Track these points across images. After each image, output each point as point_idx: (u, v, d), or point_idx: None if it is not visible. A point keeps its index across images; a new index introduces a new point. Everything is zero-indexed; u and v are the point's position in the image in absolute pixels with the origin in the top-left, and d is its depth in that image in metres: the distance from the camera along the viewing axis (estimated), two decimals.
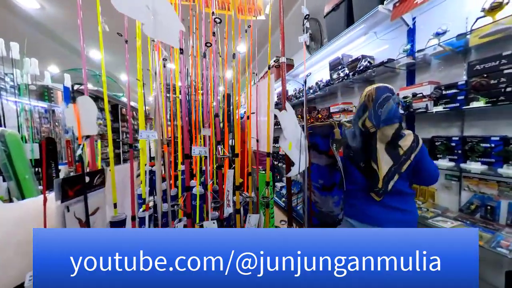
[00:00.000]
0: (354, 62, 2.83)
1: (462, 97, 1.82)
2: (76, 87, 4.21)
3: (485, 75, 1.69)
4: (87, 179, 0.92)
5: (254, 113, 1.58)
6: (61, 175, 1.97)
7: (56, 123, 3.78)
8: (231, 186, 1.43)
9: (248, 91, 1.55)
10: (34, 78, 3.31)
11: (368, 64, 2.63)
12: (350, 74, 2.84)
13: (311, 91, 3.65)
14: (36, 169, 1.65)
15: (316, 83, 3.58)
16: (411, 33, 2.40)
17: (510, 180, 1.67)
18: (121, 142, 5.24)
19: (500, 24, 1.60)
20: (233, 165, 1.50)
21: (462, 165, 1.85)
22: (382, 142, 1.34)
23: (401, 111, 2.10)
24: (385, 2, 2.28)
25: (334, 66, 3.23)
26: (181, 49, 1.26)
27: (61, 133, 3.61)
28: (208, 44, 1.37)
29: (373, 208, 1.38)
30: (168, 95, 1.83)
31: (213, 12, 1.39)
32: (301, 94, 4.03)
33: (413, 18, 2.38)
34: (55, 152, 1.65)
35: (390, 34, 2.66)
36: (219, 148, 1.38)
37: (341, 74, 3.00)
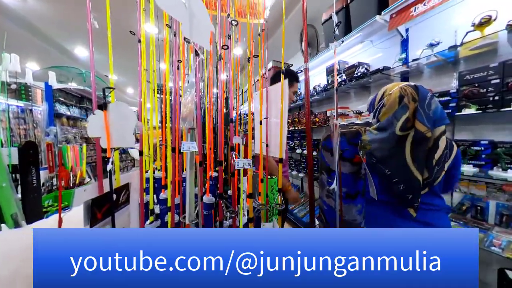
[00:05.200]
0: (351, 68, 2.88)
1: (454, 104, 1.90)
2: (58, 85, 3.94)
3: (475, 84, 1.77)
4: (113, 197, 0.83)
5: (267, 118, 1.51)
6: (41, 180, 1.86)
7: (35, 124, 3.45)
8: (245, 194, 1.36)
9: (260, 96, 1.51)
10: (15, 75, 3.00)
11: (365, 71, 2.68)
12: (347, 80, 2.87)
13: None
14: (14, 175, 1.50)
15: (314, 88, 3.61)
16: (404, 43, 2.48)
17: (498, 181, 1.73)
18: None
19: (488, 38, 1.72)
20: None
21: None
22: (418, 148, 1.14)
23: None
24: (382, 13, 2.33)
25: (331, 72, 3.27)
26: (196, 51, 1.22)
27: (41, 136, 3.31)
28: (225, 47, 1.30)
29: (399, 221, 1.22)
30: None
31: (228, 15, 1.36)
32: (297, 98, 4.03)
33: (407, 29, 2.45)
34: (37, 157, 1.51)
35: (385, 43, 2.74)
36: (233, 155, 1.33)
37: (339, 80, 3.04)
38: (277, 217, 1.45)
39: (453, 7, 2.02)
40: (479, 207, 1.87)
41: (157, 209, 1.50)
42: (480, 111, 1.72)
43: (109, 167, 0.82)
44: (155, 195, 1.53)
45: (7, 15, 4.54)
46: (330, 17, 3.13)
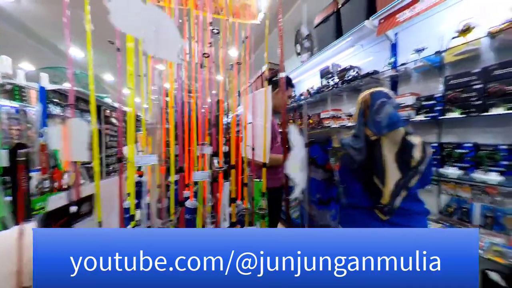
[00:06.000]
0: (343, 71, 2.91)
1: (440, 108, 1.93)
2: (51, 86, 3.82)
3: (458, 89, 1.81)
4: (74, 208, 0.81)
5: (251, 123, 1.51)
6: (33, 182, 1.77)
7: (29, 125, 3.29)
8: (227, 199, 1.35)
9: (244, 101, 1.50)
10: (7, 76, 2.97)
11: (356, 74, 2.71)
12: (339, 82, 2.90)
13: (302, 97, 3.69)
14: (4, 178, 1.43)
15: (307, 90, 3.62)
16: (393, 48, 2.51)
17: (482, 184, 1.73)
18: (104, 146, 4.93)
19: (470, 45, 1.75)
20: (229, 177, 1.41)
21: (441, 170, 1.92)
22: (391, 151, 1.17)
23: None
24: (371, 18, 2.37)
25: (324, 74, 3.31)
26: (181, 59, 1.21)
27: (34, 136, 3.12)
28: (206, 55, 1.30)
29: (376, 224, 1.21)
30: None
31: (210, 23, 1.33)
32: (291, 99, 4.04)
33: (395, 34, 2.49)
34: (27, 159, 1.46)
35: (375, 47, 2.77)
36: (215, 161, 1.31)
37: (331, 83, 3.07)
38: (261, 221, 1.44)
39: (440, 13, 2.06)
40: (464, 209, 1.89)
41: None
42: (464, 115, 1.75)
43: (65, 180, 0.82)
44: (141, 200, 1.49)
45: (0, 16, 4.41)
46: (322, 21, 3.15)
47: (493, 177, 1.60)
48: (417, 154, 1.14)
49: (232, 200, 1.37)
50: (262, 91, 1.41)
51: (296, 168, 1.14)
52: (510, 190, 1.63)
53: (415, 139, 1.18)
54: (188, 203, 1.28)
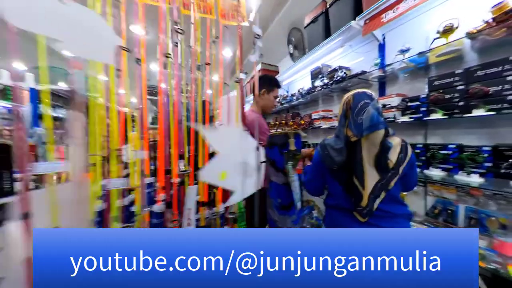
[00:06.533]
0: (332, 72, 2.90)
1: (424, 109, 1.93)
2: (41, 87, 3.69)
3: (441, 91, 1.81)
4: None
5: (221, 124, 1.45)
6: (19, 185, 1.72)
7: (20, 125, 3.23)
8: (193, 203, 1.28)
9: (219, 102, 1.47)
10: None
11: (344, 75, 2.72)
12: (329, 83, 2.90)
13: (294, 97, 3.70)
14: None
15: (299, 91, 3.62)
16: (381, 48, 2.50)
17: (465, 185, 1.71)
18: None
19: (452, 46, 1.72)
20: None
21: (426, 172, 1.93)
22: (370, 153, 1.18)
23: None
24: (357, 18, 2.38)
25: (315, 75, 3.29)
26: (137, 59, 1.19)
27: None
28: (168, 55, 1.27)
29: (356, 226, 1.21)
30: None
31: (175, 22, 1.29)
32: (284, 100, 4.05)
33: (383, 34, 2.48)
34: (9, 160, 1.41)
35: (364, 47, 2.76)
36: (181, 164, 1.27)
37: (321, 83, 3.06)
38: (232, 225, 1.40)
39: (425, 13, 2.06)
40: (450, 211, 1.89)
41: None
42: (446, 116, 1.75)
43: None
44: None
45: None
46: (312, 21, 3.13)
47: (475, 179, 1.61)
48: (394, 155, 1.16)
49: (203, 204, 1.33)
50: (234, 94, 1.38)
51: (224, 176, 0.98)
52: (493, 192, 1.62)
53: (394, 141, 1.20)
54: (155, 207, 1.25)
